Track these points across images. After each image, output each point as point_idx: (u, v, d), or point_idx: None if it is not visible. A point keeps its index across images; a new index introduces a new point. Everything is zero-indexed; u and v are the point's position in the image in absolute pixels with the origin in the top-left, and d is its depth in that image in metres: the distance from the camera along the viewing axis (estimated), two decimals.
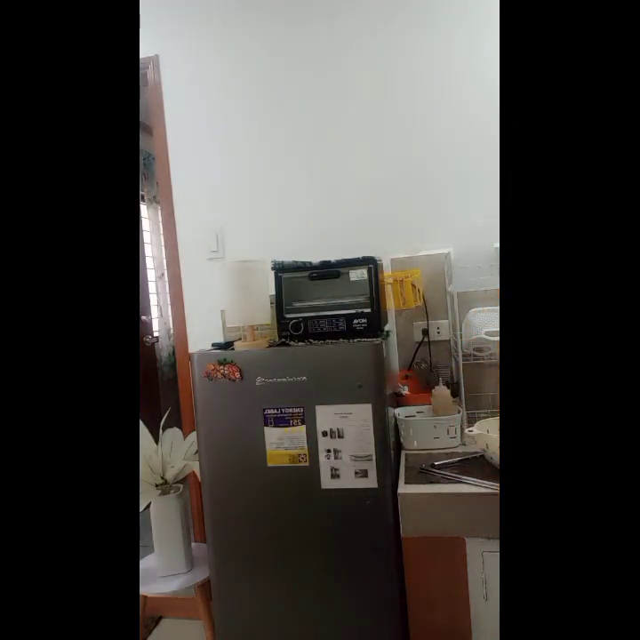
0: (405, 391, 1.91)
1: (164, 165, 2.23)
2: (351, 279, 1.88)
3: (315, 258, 1.68)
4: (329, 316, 1.61)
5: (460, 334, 1.84)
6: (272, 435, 1.53)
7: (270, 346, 1.61)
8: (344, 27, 2.01)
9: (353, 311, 1.66)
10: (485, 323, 1.79)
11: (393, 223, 1.98)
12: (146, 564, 1.97)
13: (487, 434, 1.53)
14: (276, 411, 1.52)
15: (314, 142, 2.05)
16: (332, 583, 1.53)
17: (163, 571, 1.91)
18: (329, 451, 1.50)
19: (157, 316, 3.57)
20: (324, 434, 1.50)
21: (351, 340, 1.57)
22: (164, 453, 1.95)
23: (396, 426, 1.73)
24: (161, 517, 1.91)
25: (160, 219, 2.46)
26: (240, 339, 1.71)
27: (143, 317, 3.39)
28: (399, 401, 1.88)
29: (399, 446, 1.71)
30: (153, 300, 3.55)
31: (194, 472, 2.06)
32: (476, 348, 1.83)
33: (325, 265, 1.62)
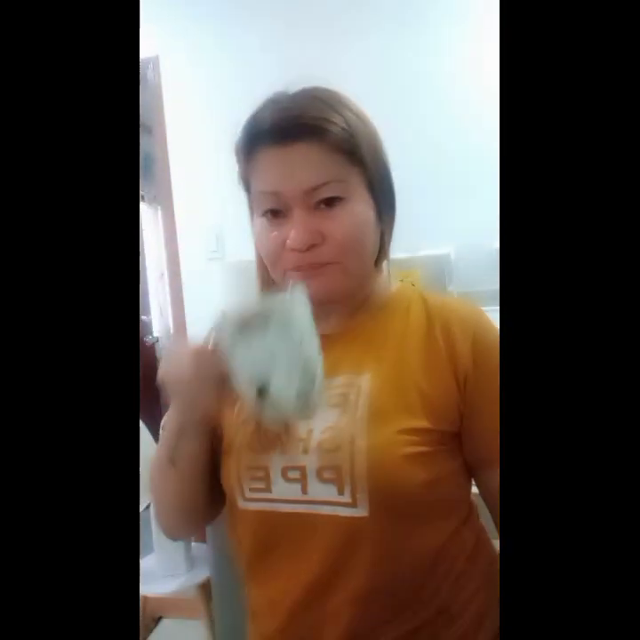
0: None
1: (164, 165, 2.22)
2: None
3: None
4: None
5: None
6: None
7: None
8: (345, 27, 2.01)
9: None
10: None
11: None
12: (146, 563, 1.96)
13: None
14: None
15: None
16: None
17: (163, 571, 1.91)
18: None
19: (157, 316, 3.57)
20: None
21: None
22: None
23: None
24: None
25: (160, 219, 2.46)
26: None
27: (143, 317, 3.39)
28: None
29: None
30: (153, 299, 3.54)
31: None
32: None
33: None
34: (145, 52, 2.15)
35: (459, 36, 1.92)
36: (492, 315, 1.98)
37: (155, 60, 2.20)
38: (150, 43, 2.14)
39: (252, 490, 0.66)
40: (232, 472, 0.68)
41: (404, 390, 0.65)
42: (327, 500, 0.63)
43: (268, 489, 0.65)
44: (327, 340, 0.69)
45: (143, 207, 3.42)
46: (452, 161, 1.93)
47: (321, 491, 0.63)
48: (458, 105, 1.92)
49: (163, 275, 3.40)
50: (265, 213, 0.65)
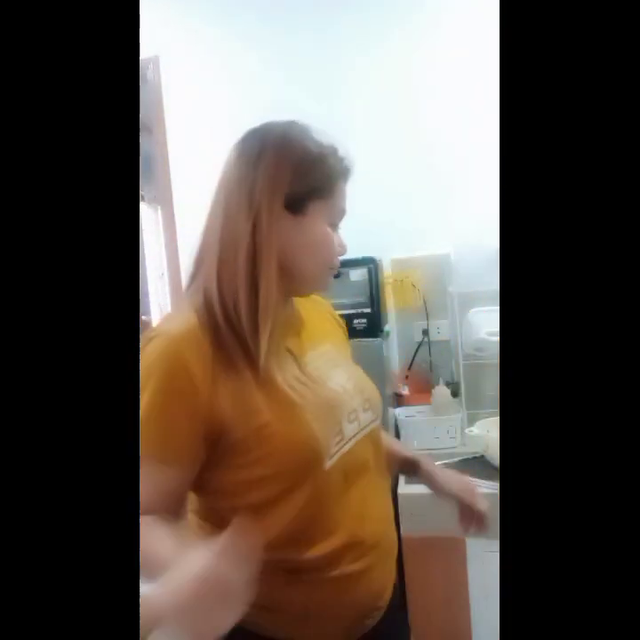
0: (405, 391, 1.90)
1: (164, 165, 2.22)
2: (351, 279, 1.88)
3: None
4: None
5: (460, 334, 1.84)
6: None
7: None
8: (345, 27, 2.01)
9: (353, 311, 1.65)
10: (485, 323, 1.78)
11: (393, 223, 1.98)
12: None
13: (487, 434, 1.53)
14: None
15: None
16: None
17: None
18: None
19: (157, 316, 3.57)
20: None
21: (351, 340, 1.57)
22: None
23: (396, 426, 1.73)
24: None
25: (160, 219, 2.46)
26: None
27: (143, 317, 3.39)
28: (399, 401, 1.88)
29: None
30: (153, 300, 3.54)
31: None
32: (477, 348, 1.82)
33: None
34: (145, 52, 2.15)
35: (459, 36, 1.92)
36: (492, 314, 1.97)
37: (155, 60, 2.19)
38: (150, 43, 2.14)
39: (335, 444, 0.82)
40: (321, 439, 0.79)
41: (345, 349, 1.03)
42: (369, 421, 0.90)
43: (342, 438, 0.83)
44: (293, 323, 0.91)
45: (143, 207, 3.42)
46: (452, 161, 1.93)
47: (366, 417, 0.89)
48: (458, 105, 1.92)
49: (163, 275, 3.39)
50: (330, 224, 0.85)
